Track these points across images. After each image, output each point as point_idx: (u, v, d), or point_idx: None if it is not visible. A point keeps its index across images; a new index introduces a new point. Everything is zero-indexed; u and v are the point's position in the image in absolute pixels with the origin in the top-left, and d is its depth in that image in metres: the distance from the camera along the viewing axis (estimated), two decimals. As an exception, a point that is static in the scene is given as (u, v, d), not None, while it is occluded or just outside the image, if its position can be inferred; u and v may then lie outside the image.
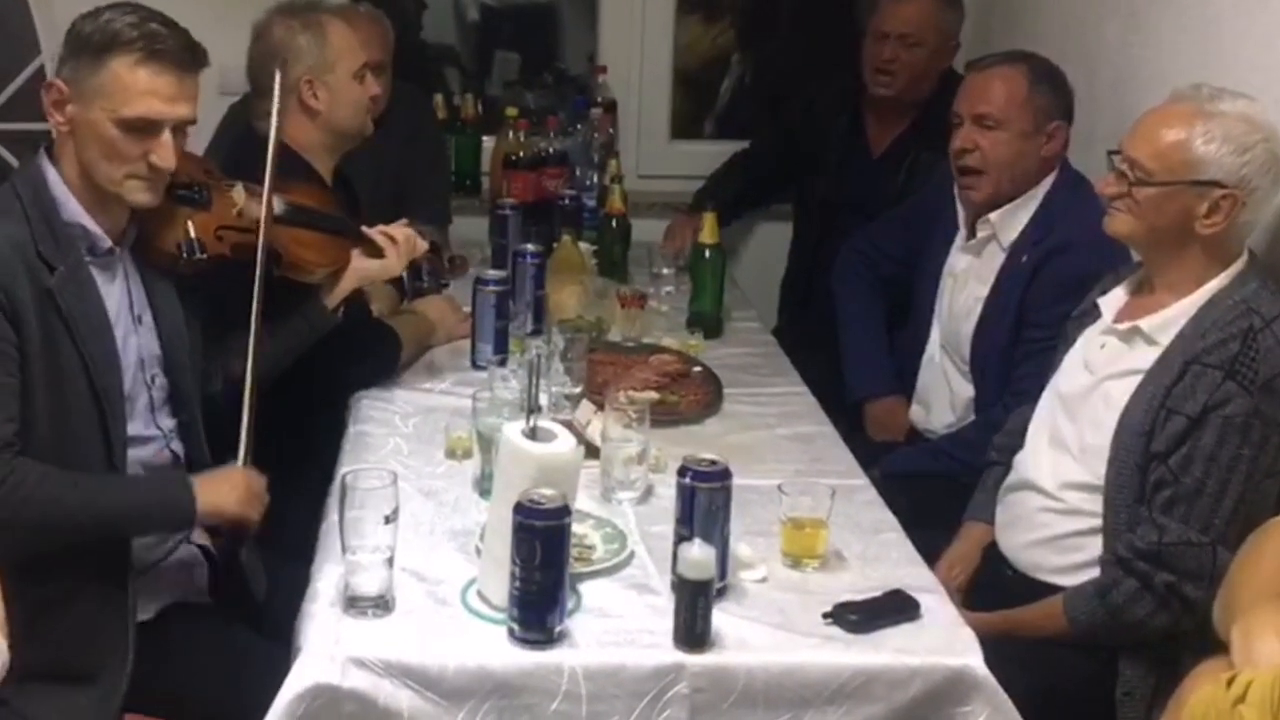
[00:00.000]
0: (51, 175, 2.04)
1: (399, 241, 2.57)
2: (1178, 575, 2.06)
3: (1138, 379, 2.15)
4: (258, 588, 2.24)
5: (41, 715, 1.99)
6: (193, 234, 2.21)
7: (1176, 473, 2.06)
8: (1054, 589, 2.23)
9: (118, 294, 2.12)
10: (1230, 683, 1.35)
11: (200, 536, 2.23)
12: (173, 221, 2.20)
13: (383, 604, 1.85)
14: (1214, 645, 1.60)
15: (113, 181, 2.04)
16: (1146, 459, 2.10)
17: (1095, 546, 2.19)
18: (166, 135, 2.03)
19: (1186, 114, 2.12)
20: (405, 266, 2.65)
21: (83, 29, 2.01)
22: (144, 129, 2.01)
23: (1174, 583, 2.06)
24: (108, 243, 2.08)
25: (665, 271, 3.36)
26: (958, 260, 2.88)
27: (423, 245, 2.66)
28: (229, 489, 2.10)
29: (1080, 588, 2.18)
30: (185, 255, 2.20)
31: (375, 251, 2.56)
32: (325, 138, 2.70)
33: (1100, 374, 2.24)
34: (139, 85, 1.99)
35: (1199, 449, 2.04)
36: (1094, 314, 2.32)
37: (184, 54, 2.03)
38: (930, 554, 2.14)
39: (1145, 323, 2.18)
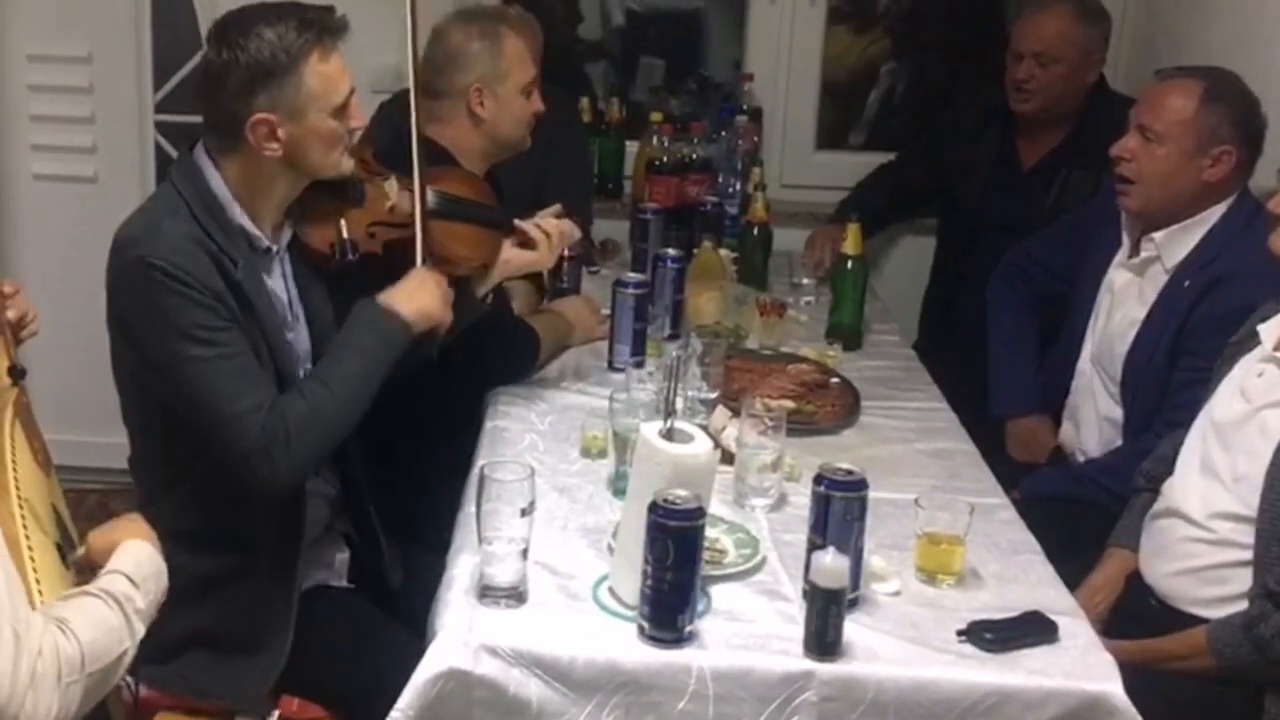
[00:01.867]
0: (214, 178, 2.07)
1: (552, 235, 2.56)
2: None
3: None
4: (394, 575, 2.28)
5: (206, 683, 2.07)
6: (345, 233, 2.24)
7: None
8: (1198, 621, 2.16)
9: (277, 292, 2.17)
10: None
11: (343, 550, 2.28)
12: (327, 220, 2.24)
13: (516, 595, 1.87)
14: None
15: (329, 166, 2.12)
16: None
17: (1244, 579, 2.11)
18: (354, 98, 2.11)
19: None
20: (557, 259, 2.64)
21: (252, 58, 1.99)
22: (347, 105, 2.09)
23: None
24: (266, 242, 2.13)
25: (805, 281, 3.34)
26: (1118, 276, 2.80)
27: (576, 232, 2.64)
28: (425, 294, 2.19)
29: (1226, 620, 2.10)
30: (338, 256, 2.24)
31: (527, 243, 2.55)
32: (485, 146, 2.74)
33: (1257, 403, 2.16)
34: (334, 72, 2.06)
35: None
36: (1253, 341, 2.24)
37: (340, 26, 2.09)
38: (1070, 581, 2.09)
39: None
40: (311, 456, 2.06)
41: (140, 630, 1.61)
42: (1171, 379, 2.59)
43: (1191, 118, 2.58)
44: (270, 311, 2.09)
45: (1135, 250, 2.75)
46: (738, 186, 3.65)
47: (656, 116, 3.76)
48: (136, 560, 1.66)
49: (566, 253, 2.86)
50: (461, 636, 1.80)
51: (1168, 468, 2.34)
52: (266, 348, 2.06)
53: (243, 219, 2.09)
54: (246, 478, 1.99)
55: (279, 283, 2.18)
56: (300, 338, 2.21)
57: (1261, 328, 2.23)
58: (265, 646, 2.08)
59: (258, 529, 2.08)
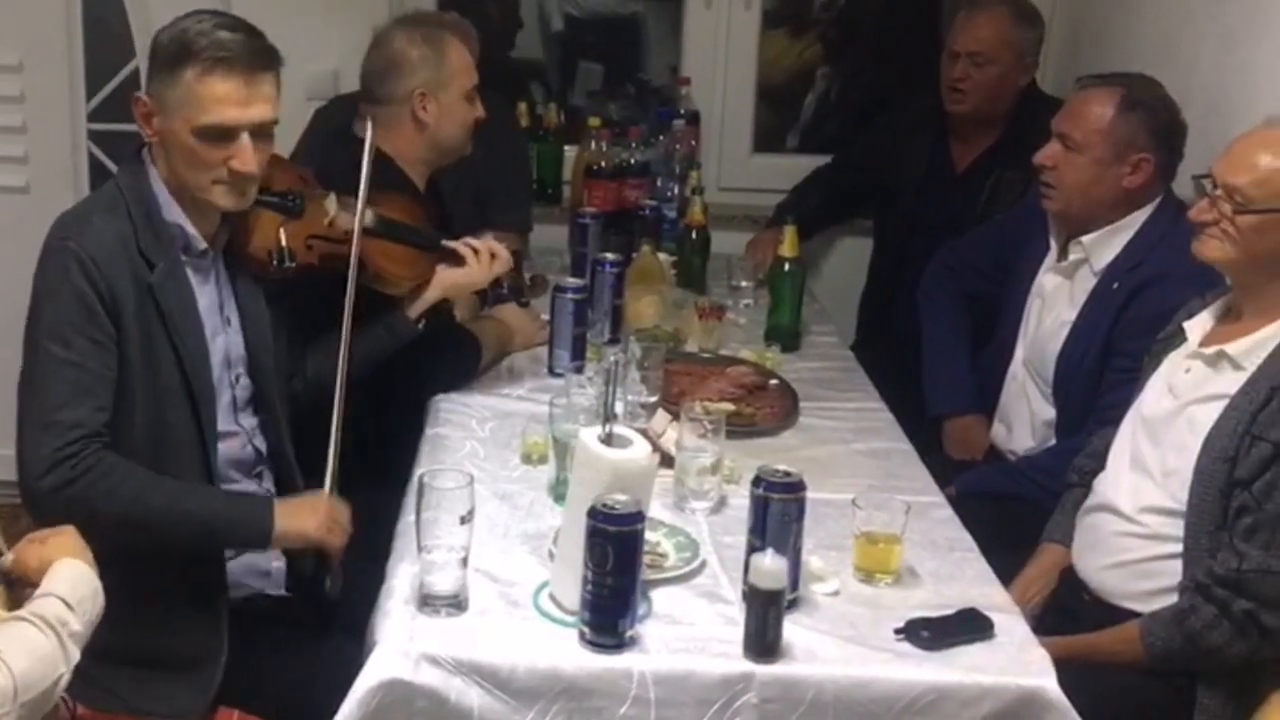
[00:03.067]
0: (153, 175, 2.09)
1: (482, 254, 2.58)
2: (1257, 603, 2.03)
3: (1222, 404, 2.12)
4: (334, 584, 2.26)
5: (142, 700, 2.04)
6: (284, 242, 2.25)
7: (1259, 499, 2.03)
8: (1131, 614, 2.20)
9: (209, 294, 2.16)
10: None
11: (278, 559, 2.25)
12: (265, 228, 2.25)
13: (456, 603, 1.87)
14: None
15: (200, 188, 2.08)
16: (1229, 485, 2.07)
17: (1174, 572, 2.15)
18: (244, 139, 2.04)
19: None
20: (489, 281, 2.65)
21: (160, 41, 2.05)
22: (221, 136, 2.03)
23: (1253, 610, 2.03)
24: (203, 244, 2.13)
25: (744, 284, 3.36)
26: (1048, 280, 2.85)
27: (508, 260, 2.66)
28: (309, 513, 2.10)
29: (1158, 614, 2.14)
30: (275, 263, 2.24)
31: (460, 263, 2.58)
32: (427, 152, 2.76)
33: (1184, 398, 2.21)
34: (210, 94, 2.01)
35: None
36: (1179, 338, 2.28)
37: (253, 58, 2.03)
38: (1005, 576, 2.12)
39: (1232, 347, 2.15)
40: (90, 513, 1.87)
41: (75, 655, 1.59)
42: (1103, 379, 2.63)
43: (1109, 126, 2.62)
44: (185, 317, 2.07)
45: (1064, 254, 2.80)
46: (676, 190, 3.67)
47: (594, 121, 3.78)
48: (71, 581, 1.64)
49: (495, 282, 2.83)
50: (401, 646, 1.80)
51: (1099, 463, 2.38)
52: (173, 353, 2.04)
53: (180, 217, 2.09)
54: (23, 476, 1.96)
55: (212, 286, 2.17)
56: (233, 342, 2.20)
57: (1187, 325, 2.27)
58: (199, 662, 2.07)
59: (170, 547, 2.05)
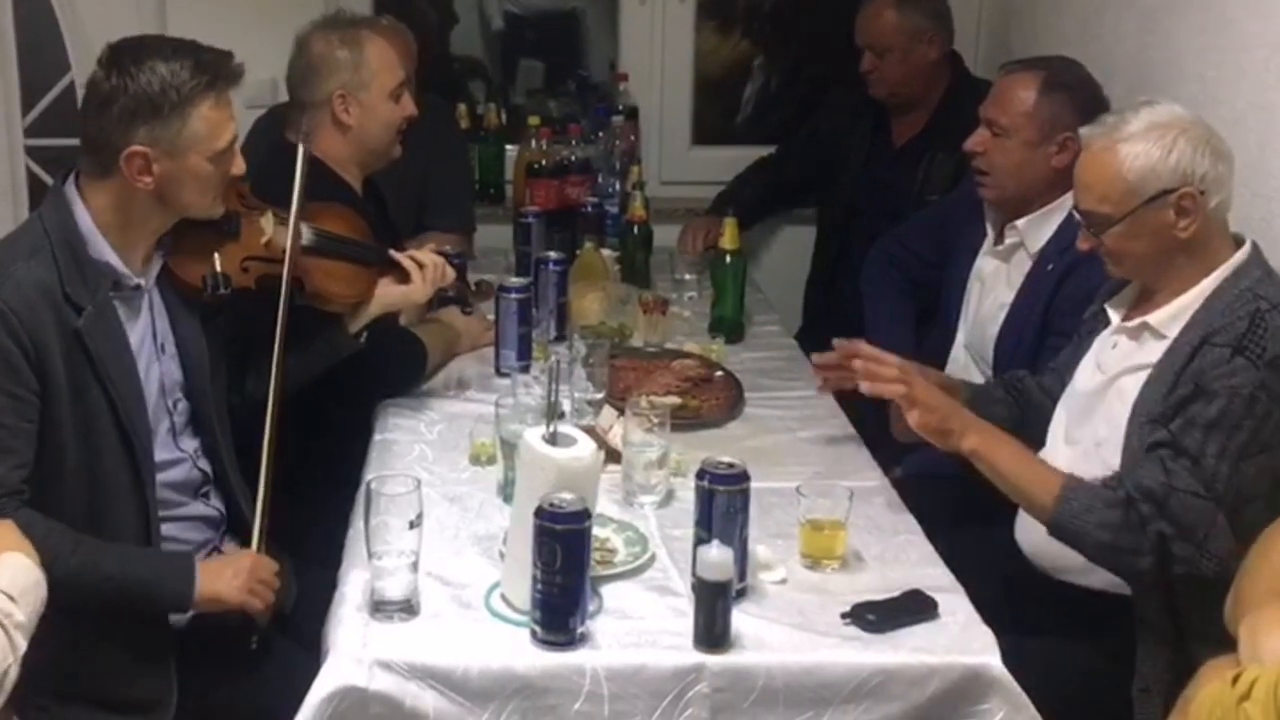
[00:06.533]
0: (80, 212, 2.05)
1: (427, 268, 2.57)
2: (1175, 527, 2.04)
3: (1149, 373, 2.17)
4: (286, 595, 2.27)
5: None
6: (219, 267, 2.21)
7: (1176, 434, 2.06)
8: (1073, 588, 2.25)
9: (141, 326, 2.13)
10: (1236, 680, 1.37)
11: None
12: (200, 253, 2.21)
13: (408, 608, 1.89)
14: (1225, 640, 1.61)
15: (201, 208, 2.12)
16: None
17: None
18: (236, 145, 2.12)
19: (1107, 149, 2.16)
20: (431, 294, 2.65)
21: (146, 90, 1.99)
22: (229, 152, 2.09)
23: (1168, 535, 2.04)
24: (134, 280, 2.10)
25: (687, 277, 3.39)
26: (985, 264, 2.90)
27: (451, 274, 2.65)
28: (231, 575, 2.04)
29: (1089, 484, 2.13)
30: (210, 289, 2.21)
31: (403, 277, 2.57)
32: (356, 154, 2.75)
33: (1112, 371, 2.26)
34: (220, 119, 2.07)
35: (1201, 415, 2.05)
36: (1104, 319, 2.33)
37: (235, 74, 2.09)
38: (950, 556, 2.15)
39: (1153, 318, 2.21)
40: None
41: (22, 645, 1.59)
42: (1038, 358, 2.68)
43: (1032, 109, 2.69)
44: (116, 358, 2.04)
45: (1000, 238, 2.85)
46: (617, 186, 3.69)
47: (534, 120, 3.79)
48: (12, 573, 1.64)
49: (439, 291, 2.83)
50: (355, 653, 1.81)
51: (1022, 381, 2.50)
52: (104, 396, 2.01)
53: (109, 255, 2.06)
54: None
55: (145, 317, 2.15)
56: (169, 369, 2.18)
57: (1109, 305, 2.32)
58: (150, 705, 2.05)
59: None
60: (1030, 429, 2.46)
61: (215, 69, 2.05)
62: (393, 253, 2.58)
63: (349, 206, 2.63)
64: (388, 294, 2.56)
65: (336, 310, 2.49)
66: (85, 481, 2.02)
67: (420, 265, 2.57)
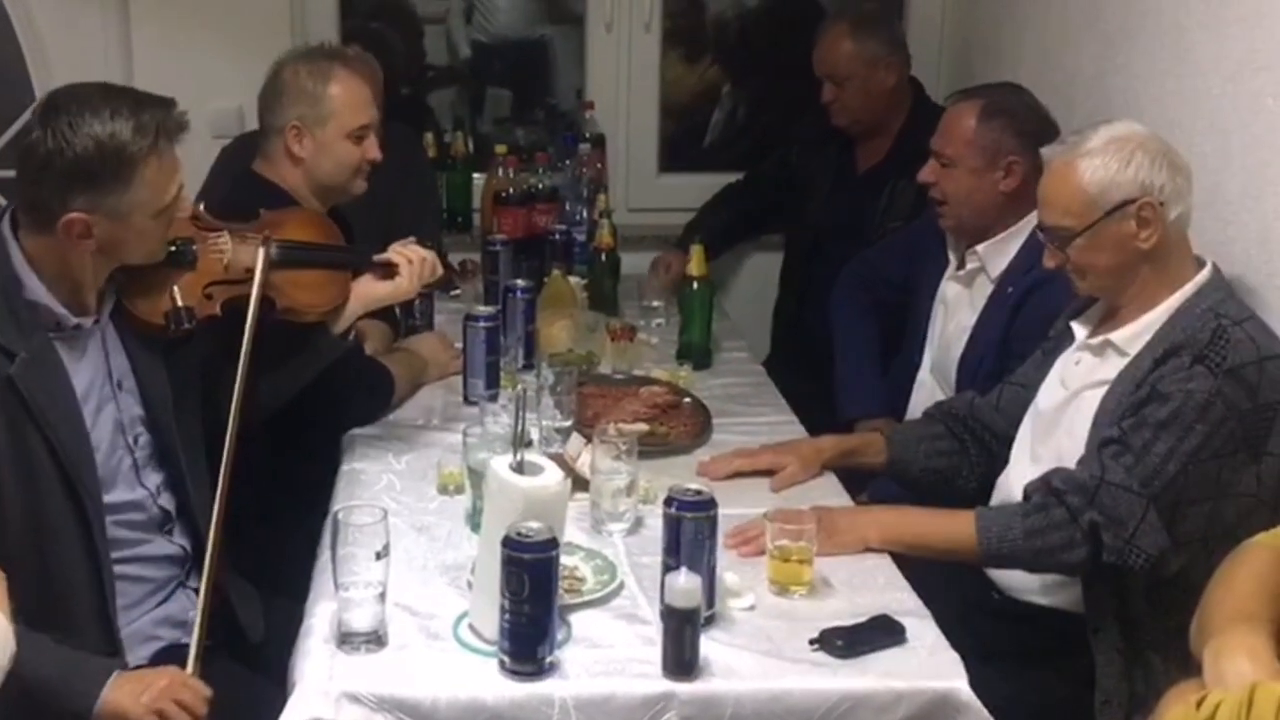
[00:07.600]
0: (14, 254, 1.99)
1: (414, 262, 2.52)
2: (1106, 518, 2.08)
3: (1109, 387, 2.20)
4: (253, 627, 2.25)
5: None
6: (179, 301, 2.15)
7: (1126, 431, 2.11)
8: (1039, 609, 2.26)
9: (90, 368, 2.07)
10: (1200, 703, 1.38)
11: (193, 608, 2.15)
12: (157, 289, 2.14)
13: (376, 639, 1.88)
14: (1180, 649, 1.63)
15: (152, 256, 2.09)
16: None
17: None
18: (182, 192, 2.08)
19: (1067, 164, 2.21)
20: (418, 289, 2.58)
21: (83, 156, 1.92)
22: (173, 204, 2.06)
23: (1099, 524, 2.09)
24: (72, 320, 2.03)
25: (655, 304, 3.40)
26: (949, 289, 2.94)
27: (440, 271, 2.59)
28: (142, 691, 1.90)
29: (998, 507, 2.20)
30: (173, 325, 2.15)
31: (387, 274, 2.51)
32: (311, 186, 2.72)
33: (1075, 386, 2.30)
34: (167, 175, 2.02)
35: (1153, 415, 2.09)
36: (1069, 336, 2.36)
37: (178, 126, 2.03)
38: (917, 579, 2.16)
39: (1116, 335, 2.24)
40: None
41: None
42: (1000, 380, 2.70)
43: (974, 136, 2.75)
44: (55, 404, 1.97)
45: (962, 263, 2.89)
46: (585, 214, 3.69)
47: (501, 149, 3.80)
48: None
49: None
50: (321, 685, 1.80)
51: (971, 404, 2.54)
52: (44, 442, 1.94)
53: (46, 298, 2.00)
54: None
55: (96, 356, 2.09)
56: (126, 405, 2.12)
57: (1075, 324, 2.36)
58: None
59: (64, 615, 1.98)
60: (979, 449, 2.51)
61: (157, 127, 1.97)
62: (378, 255, 2.53)
63: (312, 212, 2.60)
64: (373, 291, 2.51)
65: (312, 321, 2.43)
66: (28, 527, 1.95)
67: (409, 260, 2.51)
